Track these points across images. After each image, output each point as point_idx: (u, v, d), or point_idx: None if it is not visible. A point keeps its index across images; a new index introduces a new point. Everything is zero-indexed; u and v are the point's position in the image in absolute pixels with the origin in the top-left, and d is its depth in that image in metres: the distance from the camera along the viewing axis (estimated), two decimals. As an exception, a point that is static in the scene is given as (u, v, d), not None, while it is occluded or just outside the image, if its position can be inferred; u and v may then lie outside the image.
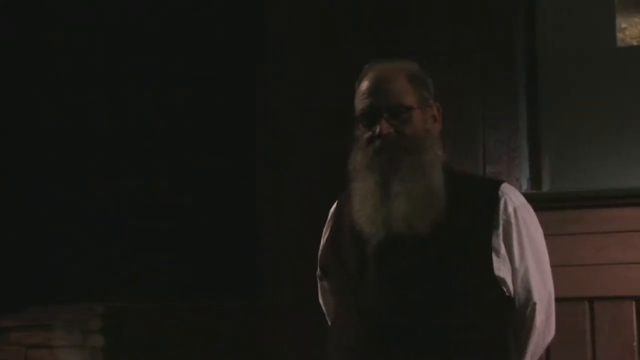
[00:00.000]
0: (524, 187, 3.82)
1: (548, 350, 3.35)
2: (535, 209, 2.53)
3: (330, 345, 2.51)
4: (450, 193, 2.39)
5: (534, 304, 2.43)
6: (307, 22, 4.35)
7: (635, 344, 3.52)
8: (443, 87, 2.66)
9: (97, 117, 5.36)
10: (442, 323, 2.33)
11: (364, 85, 2.47)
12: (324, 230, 2.65)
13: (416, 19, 4.07)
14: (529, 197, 2.57)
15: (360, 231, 2.42)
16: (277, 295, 4.23)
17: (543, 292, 2.45)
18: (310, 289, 2.76)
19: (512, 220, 2.42)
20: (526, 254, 2.42)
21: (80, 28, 5.30)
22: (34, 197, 5.30)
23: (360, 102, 2.47)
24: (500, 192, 2.44)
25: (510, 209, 2.43)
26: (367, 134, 2.43)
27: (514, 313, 2.44)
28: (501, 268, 2.40)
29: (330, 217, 2.65)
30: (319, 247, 2.68)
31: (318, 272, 2.67)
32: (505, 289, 2.41)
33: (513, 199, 2.45)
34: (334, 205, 2.66)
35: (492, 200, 2.43)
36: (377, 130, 2.40)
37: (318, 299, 2.74)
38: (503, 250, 2.40)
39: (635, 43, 3.80)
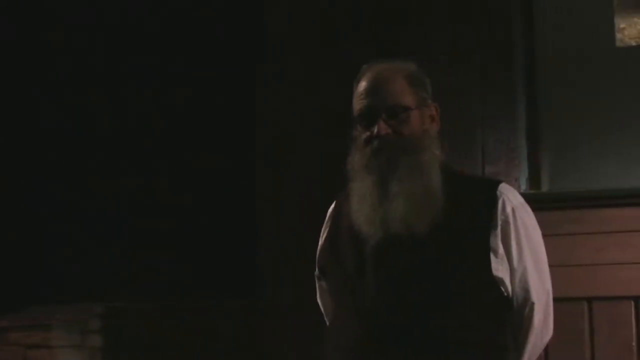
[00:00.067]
0: (523, 187, 3.82)
1: (547, 350, 3.36)
2: (535, 209, 2.53)
3: (329, 345, 2.51)
4: (448, 193, 2.39)
5: (532, 304, 2.43)
6: (307, 22, 4.35)
7: (634, 344, 3.52)
8: (443, 87, 2.67)
9: (97, 117, 5.36)
10: (440, 323, 2.33)
11: (362, 85, 2.48)
12: (322, 230, 2.65)
13: (416, 19, 4.08)
14: (528, 197, 2.57)
15: (359, 231, 2.42)
16: (277, 295, 4.23)
17: (541, 292, 2.45)
18: (310, 289, 2.76)
19: (511, 220, 2.41)
20: (524, 254, 2.42)
21: (80, 28, 5.31)
22: (34, 197, 5.30)
23: (358, 103, 2.47)
24: (498, 192, 2.44)
25: (509, 209, 2.42)
26: (365, 135, 2.43)
27: (512, 313, 2.44)
28: (499, 268, 2.40)
29: (329, 217, 2.65)
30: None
31: (316, 272, 2.68)
32: (503, 289, 2.41)
33: (511, 199, 2.45)
34: (332, 206, 2.66)
35: (490, 200, 2.43)
36: (375, 130, 2.41)
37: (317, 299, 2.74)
38: (501, 250, 2.40)
39: (634, 43, 3.80)
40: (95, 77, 5.34)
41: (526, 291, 2.43)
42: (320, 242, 2.65)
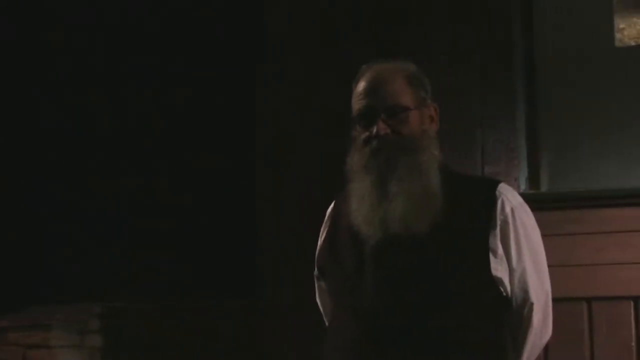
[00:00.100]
0: (523, 187, 3.82)
1: (546, 350, 3.36)
2: (534, 209, 2.53)
3: (327, 345, 2.51)
4: (447, 193, 2.39)
5: (531, 304, 2.43)
6: (307, 22, 4.35)
7: (633, 344, 3.52)
8: (443, 87, 2.67)
9: (97, 117, 5.36)
10: (439, 323, 2.33)
11: (361, 85, 2.48)
12: (321, 230, 2.65)
13: (416, 19, 4.07)
14: (527, 197, 2.57)
15: (358, 232, 2.42)
16: (277, 295, 4.23)
17: (540, 292, 2.45)
18: (310, 289, 2.76)
19: (510, 220, 2.42)
20: (523, 254, 2.42)
21: (80, 28, 5.30)
22: (34, 197, 5.30)
23: (357, 103, 2.47)
24: (497, 192, 2.44)
25: (508, 209, 2.43)
26: (364, 135, 2.43)
27: (511, 313, 2.44)
28: (498, 268, 2.40)
29: (328, 217, 2.65)
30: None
31: (315, 272, 2.68)
32: (502, 289, 2.41)
33: (510, 199, 2.45)
34: (331, 206, 2.66)
35: (489, 200, 2.43)
36: (374, 130, 2.41)
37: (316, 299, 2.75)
38: (500, 250, 2.40)
39: (633, 43, 3.80)
40: (95, 77, 5.33)
41: (525, 291, 2.43)
42: (319, 242, 2.65)
